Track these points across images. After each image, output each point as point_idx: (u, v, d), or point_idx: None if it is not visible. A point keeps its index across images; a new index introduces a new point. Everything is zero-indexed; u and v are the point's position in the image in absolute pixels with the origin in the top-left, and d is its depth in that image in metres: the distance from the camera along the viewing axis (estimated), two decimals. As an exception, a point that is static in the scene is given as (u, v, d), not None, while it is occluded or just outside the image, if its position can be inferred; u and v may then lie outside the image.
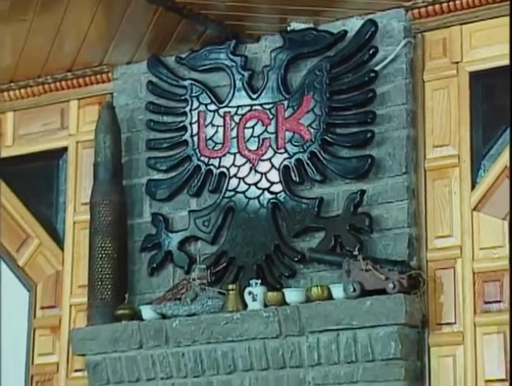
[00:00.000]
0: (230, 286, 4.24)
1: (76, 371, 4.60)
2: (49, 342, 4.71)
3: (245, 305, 4.21)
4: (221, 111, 4.43)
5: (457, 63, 4.10)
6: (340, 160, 4.26)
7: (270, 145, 4.35)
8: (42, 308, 4.71)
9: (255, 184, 4.38)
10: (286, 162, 4.30)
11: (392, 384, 4.00)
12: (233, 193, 4.41)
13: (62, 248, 4.67)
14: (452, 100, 4.15)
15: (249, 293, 4.18)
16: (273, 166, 4.34)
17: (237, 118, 4.41)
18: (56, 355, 4.70)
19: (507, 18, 4.03)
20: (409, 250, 4.13)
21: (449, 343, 4.04)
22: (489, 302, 4.00)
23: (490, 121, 4.11)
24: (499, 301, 4.00)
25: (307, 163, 4.27)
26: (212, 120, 4.43)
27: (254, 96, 4.38)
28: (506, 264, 4.00)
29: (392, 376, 3.98)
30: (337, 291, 4.07)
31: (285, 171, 4.28)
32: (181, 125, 4.47)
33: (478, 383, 4.00)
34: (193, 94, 4.46)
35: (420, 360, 4.05)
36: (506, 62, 4.11)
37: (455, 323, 4.05)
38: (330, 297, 4.09)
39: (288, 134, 4.32)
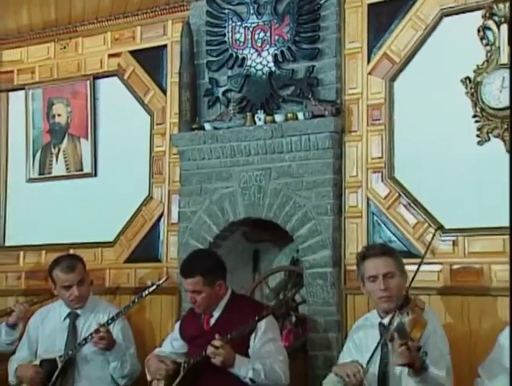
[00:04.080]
0: (248, 113, 4.27)
1: (174, 154, 4.56)
2: (161, 140, 4.66)
3: (255, 123, 4.22)
4: (243, 25, 4.39)
5: (361, -1, 4.12)
6: (303, 50, 4.21)
7: (268, 43, 4.32)
8: (156, 124, 4.66)
9: (260, 62, 4.34)
10: (275, 51, 4.29)
11: (328, 161, 4.05)
12: (249, 67, 4.37)
13: (165, 94, 4.67)
14: (359, 18, 4.10)
15: (257, 116, 4.23)
16: (269, 53, 4.30)
17: (251, 29, 4.36)
18: (164, 146, 4.64)
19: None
20: (336, 95, 4.10)
21: (354, 140, 4.08)
22: (374, 120, 4.03)
23: (377, 28, 4.05)
24: (379, 119, 4.01)
25: (286, 52, 4.26)
26: (238, 30, 4.40)
27: (260, 17, 4.35)
28: (383, 102, 4.00)
29: (328, 157, 4.05)
30: (300, 115, 4.12)
31: (275, 56, 4.29)
32: (223, 33, 4.44)
33: (368, 159, 4.03)
34: (229, 17, 4.44)
35: (340, 149, 4.07)
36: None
37: (357, 130, 4.07)
38: (297, 118, 4.13)
39: (277, 37, 4.28)
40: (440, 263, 3.76)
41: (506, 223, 3.48)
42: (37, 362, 4.18)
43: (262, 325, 3.63)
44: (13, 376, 4.23)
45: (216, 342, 3.47)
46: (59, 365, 4.08)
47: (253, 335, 3.63)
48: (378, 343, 3.24)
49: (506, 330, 3.09)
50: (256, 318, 3.53)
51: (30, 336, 4.39)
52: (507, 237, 3.49)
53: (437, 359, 3.01)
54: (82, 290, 4.22)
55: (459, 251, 3.72)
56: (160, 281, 4.23)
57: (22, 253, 5.02)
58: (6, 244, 5.08)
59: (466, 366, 3.24)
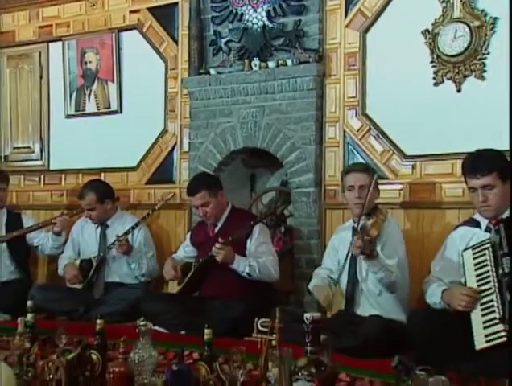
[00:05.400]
0: (245, 60, 4.23)
1: (184, 95, 4.50)
2: (174, 83, 4.61)
3: (251, 68, 4.14)
4: (242, -11, 4.35)
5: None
6: (291, 6, 4.14)
7: (262, 1, 4.23)
8: (170, 70, 4.61)
9: (255, 17, 4.28)
10: (268, 8, 4.22)
11: (311, 100, 4.01)
12: (246, 21, 4.30)
13: (177, 45, 4.60)
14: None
15: (253, 63, 4.20)
16: (263, 9, 4.23)
17: (247, -8, 4.36)
18: (176, 88, 4.59)
19: None
20: (318, 45, 4.05)
21: (333, 83, 4.00)
22: (350, 66, 3.97)
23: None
24: (354, 65, 3.96)
25: (278, 8, 4.19)
26: (238, -8, 4.41)
27: (255, -18, 4.32)
28: (357, 50, 3.93)
29: (311, 96, 4.00)
30: (289, 62, 4.08)
31: (268, 12, 4.22)
32: (225, -6, 4.42)
33: (345, 98, 3.99)
34: (230, -18, 4.39)
35: (321, 90, 4.01)
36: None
37: (336, 74, 4.01)
38: (286, 64, 4.08)
39: (270, -4, 4.29)
40: (401, 183, 3.85)
41: (455, 150, 3.59)
42: (78, 261, 4.38)
43: (256, 231, 3.80)
44: (61, 269, 4.47)
45: (218, 244, 3.60)
46: (95, 263, 4.34)
47: (249, 239, 3.83)
48: (350, 245, 3.37)
49: (453, 233, 3.15)
50: (251, 222, 3.66)
51: (74, 240, 4.61)
52: (455, 161, 3.59)
53: (391, 254, 3.26)
54: (92, 215, 4.36)
55: (416, 173, 3.80)
56: (167, 197, 4.39)
57: (63, 176, 5.09)
58: (51, 168, 5.17)
59: (418, 260, 3.50)
